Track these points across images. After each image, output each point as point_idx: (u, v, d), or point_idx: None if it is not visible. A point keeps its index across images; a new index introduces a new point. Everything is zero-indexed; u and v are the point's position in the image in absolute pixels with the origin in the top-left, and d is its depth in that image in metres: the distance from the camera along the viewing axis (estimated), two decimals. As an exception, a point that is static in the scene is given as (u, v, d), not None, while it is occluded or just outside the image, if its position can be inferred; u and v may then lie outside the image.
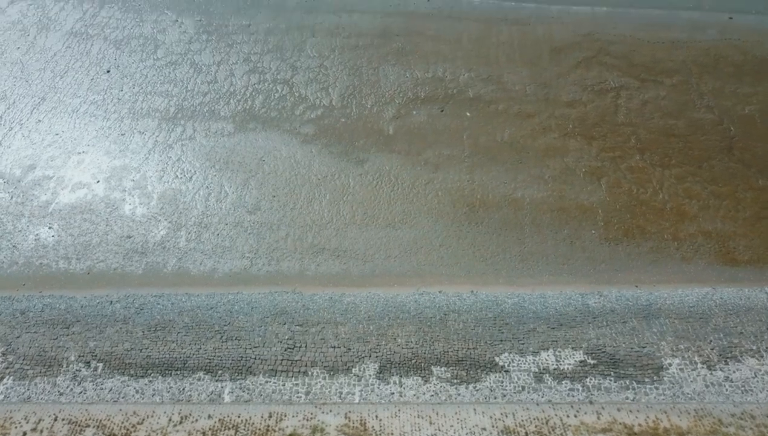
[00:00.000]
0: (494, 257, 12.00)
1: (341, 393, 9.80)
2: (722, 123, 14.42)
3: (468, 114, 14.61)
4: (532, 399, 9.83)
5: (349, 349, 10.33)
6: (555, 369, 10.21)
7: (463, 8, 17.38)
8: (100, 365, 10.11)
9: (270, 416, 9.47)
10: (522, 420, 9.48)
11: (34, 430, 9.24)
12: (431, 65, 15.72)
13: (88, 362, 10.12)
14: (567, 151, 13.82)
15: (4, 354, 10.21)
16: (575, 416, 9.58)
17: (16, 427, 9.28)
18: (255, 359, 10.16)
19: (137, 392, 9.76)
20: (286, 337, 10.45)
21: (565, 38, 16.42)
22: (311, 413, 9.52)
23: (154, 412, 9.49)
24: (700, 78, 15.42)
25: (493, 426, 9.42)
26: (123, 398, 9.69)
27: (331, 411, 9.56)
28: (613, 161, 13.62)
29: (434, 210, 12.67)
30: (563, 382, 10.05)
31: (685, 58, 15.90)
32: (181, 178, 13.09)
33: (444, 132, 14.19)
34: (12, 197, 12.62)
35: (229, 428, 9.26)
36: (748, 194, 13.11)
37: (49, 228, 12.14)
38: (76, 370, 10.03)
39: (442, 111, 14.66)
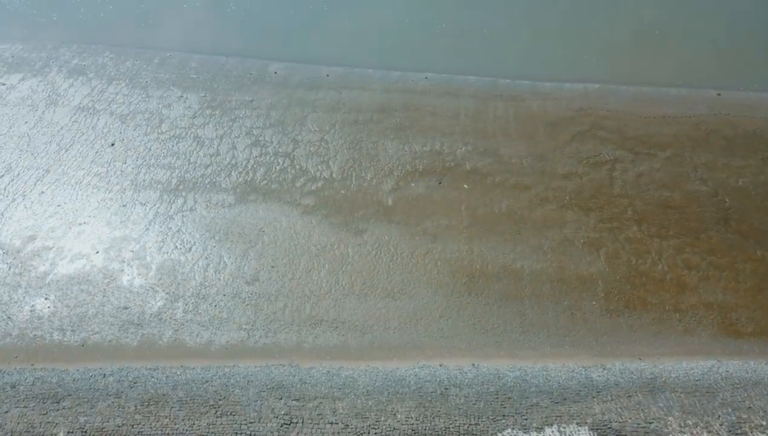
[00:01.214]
0: (495, 328, 11.86)
1: (339, 472, 9.43)
2: (717, 195, 14.62)
3: (466, 186, 14.82)
4: (537, 478, 9.45)
5: (347, 425, 10.02)
6: (560, 446, 9.88)
7: (460, 85, 17.97)
8: (90, 441, 9.76)
9: (264, 497, 9.06)
10: (527, 501, 9.08)
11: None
12: (429, 139, 16.09)
13: (77, 439, 9.78)
14: (565, 222, 13.93)
15: (-10, 430, 9.89)
16: (583, 497, 9.18)
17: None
18: (250, 435, 9.83)
19: (126, 470, 9.38)
20: (283, 412, 10.16)
21: (559, 113, 16.89)
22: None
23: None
24: (692, 151, 15.75)
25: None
26: (111, 477, 9.31)
27: (328, 492, 9.16)
28: (611, 232, 13.70)
29: (434, 280, 12.62)
30: (569, 460, 9.70)
31: (677, 133, 16.30)
32: (181, 248, 13.11)
33: (442, 203, 14.35)
34: (10, 268, 12.58)
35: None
36: (748, 265, 13.11)
37: (46, 299, 12.04)
38: (64, 447, 9.69)
39: (440, 183, 14.88)
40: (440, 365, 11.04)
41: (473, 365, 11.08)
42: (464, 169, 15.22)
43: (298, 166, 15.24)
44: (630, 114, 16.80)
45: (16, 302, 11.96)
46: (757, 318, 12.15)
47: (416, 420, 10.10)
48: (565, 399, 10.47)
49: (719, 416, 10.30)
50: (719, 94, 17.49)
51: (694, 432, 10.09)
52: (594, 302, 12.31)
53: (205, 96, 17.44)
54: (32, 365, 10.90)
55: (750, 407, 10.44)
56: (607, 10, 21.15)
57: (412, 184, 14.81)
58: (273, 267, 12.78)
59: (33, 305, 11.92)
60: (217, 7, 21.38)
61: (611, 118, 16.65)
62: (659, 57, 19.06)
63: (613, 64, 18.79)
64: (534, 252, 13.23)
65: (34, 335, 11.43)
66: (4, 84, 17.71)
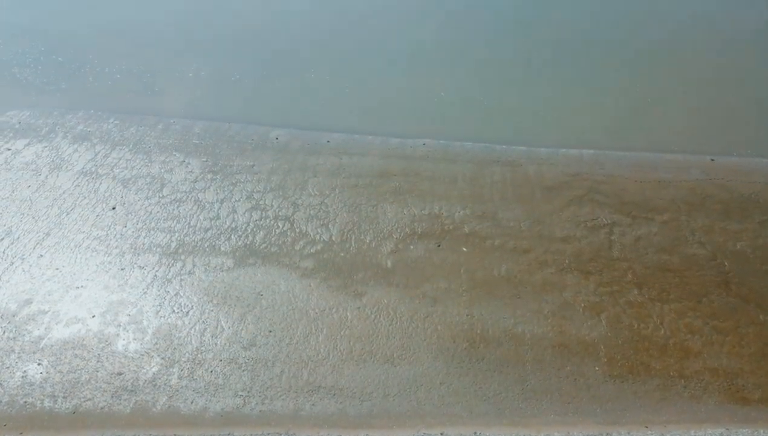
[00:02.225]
0: (497, 395, 11.59)
1: None
2: (716, 258, 14.63)
3: (465, 249, 14.85)
4: None
5: (345, 497, 9.63)
6: None
7: (457, 150, 18.30)
8: None
9: None
10: None
11: None
12: (428, 203, 16.24)
13: None
14: (564, 286, 13.87)
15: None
16: None
17: None
18: (243, 509, 9.44)
19: None
20: (278, 484, 9.79)
21: (555, 178, 17.13)
22: None
23: None
24: (689, 215, 15.88)
25: None
26: None
27: None
28: (611, 296, 13.62)
29: (434, 345, 12.44)
30: None
31: (673, 197, 16.48)
32: (178, 312, 12.97)
33: (441, 266, 14.33)
34: (4, 332, 12.41)
35: None
36: (751, 329, 12.97)
37: (38, 364, 11.81)
38: None
39: (439, 246, 14.91)
40: (441, 434, 10.73)
41: (475, 433, 10.76)
42: (463, 233, 15.29)
43: (297, 230, 15.31)
44: (626, 178, 17.04)
45: (8, 368, 11.72)
46: (764, 384, 11.91)
47: (417, 492, 9.72)
48: (570, 470, 10.12)
49: (731, 487, 9.94)
50: (713, 160, 17.80)
51: (706, 505, 9.70)
52: (597, 368, 12.09)
53: (207, 161, 17.71)
54: (21, 433, 10.58)
55: (762, 479, 10.09)
56: (600, 77, 21.84)
57: (411, 247, 14.83)
58: (270, 332, 12.62)
59: (25, 371, 11.69)
60: (222, 75, 22.04)
61: (607, 183, 16.87)
62: (652, 123, 19.54)
63: (607, 131, 19.23)
64: (534, 316, 13.11)
65: (25, 402, 11.15)
66: (9, 149, 18.01)
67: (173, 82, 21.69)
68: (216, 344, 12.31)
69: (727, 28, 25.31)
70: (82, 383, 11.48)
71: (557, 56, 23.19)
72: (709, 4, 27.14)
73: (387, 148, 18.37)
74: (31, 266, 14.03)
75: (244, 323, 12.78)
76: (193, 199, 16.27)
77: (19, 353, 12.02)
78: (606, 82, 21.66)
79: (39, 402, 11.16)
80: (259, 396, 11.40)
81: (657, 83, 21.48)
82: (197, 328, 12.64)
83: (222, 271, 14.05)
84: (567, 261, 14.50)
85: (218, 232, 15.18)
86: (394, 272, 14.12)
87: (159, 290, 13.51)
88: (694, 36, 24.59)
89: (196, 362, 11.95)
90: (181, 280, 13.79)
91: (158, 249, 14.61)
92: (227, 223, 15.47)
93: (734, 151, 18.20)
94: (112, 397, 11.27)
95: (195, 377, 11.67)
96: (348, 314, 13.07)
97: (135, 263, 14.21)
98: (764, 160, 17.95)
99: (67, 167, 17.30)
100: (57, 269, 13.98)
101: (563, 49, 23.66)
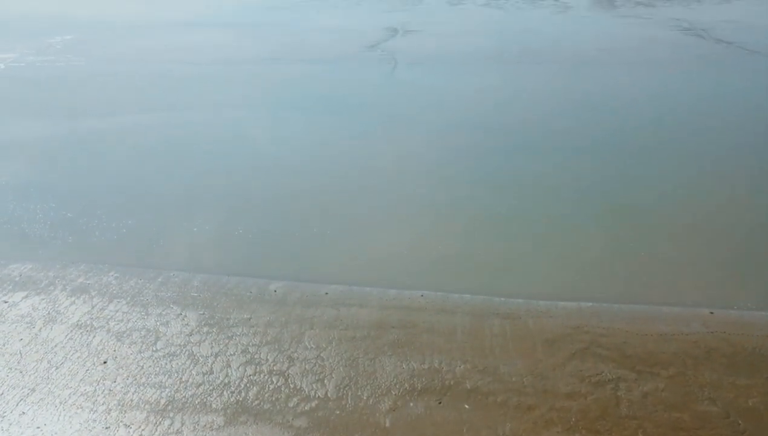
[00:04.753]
0: None
1: None
2: (729, 416, 14.00)
3: (466, 406, 14.24)
4: None
5: None
6: None
7: (456, 302, 18.27)
8: None
9: None
10: None
11: None
12: (427, 356, 15.88)
13: None
14: (573, 446, 13.12)
15: None
16: None
17: None
18: None
19: None
20: None
21: (556, 331, 16.92)
22: None
23: None
24: (695, 370, 15.46)
25: None
26: None
27: None
28: (623, 458, 12.83)
29: None
30: None
31: (676, 350, 16.16)
32: (161, 477, 12.12)
33: (443, 425, 13.64)
34: (-29, 500, 11.49)
35: None
36: (777, 496, 12.05)
37: None
38: None
39: (440, 403, 14.32)
40: None
41: None
42: (464, 388, 14.77)
43: (292, 385, 14.80)
44: (627, 332, 16.84)
45: None
46: None
47: None
48: None
49: None
50: (712, 313, 17.73)
51: None
52: None
53: (203, 314, 17.60)
54: None
55: None
56: (597, 231, 22.42)
57: (411, 404, 14.24)
58: (260, 498, 11.69)
59: None
60: (223, 230, 22.65)
61: (609, 336, 16.64)
62: (650, 276, 19.71)
63: (606, 283, 19.35)
64: (543, 481, 12.24)
65: None
66: (6, 302, 17.98)
67: (175, 237, 22.23)
68: None
69: (723, 184, 26.50)
70: None
71: (553, 209, 24.02)
72: (705, 156, 28.69)
73: (385, 299, 18.37)
74: (11, 423, 13.36)
75: (232, 488, 11.89)
76: (187, 353, 15.93)
77: None
78: (600, 235, 22.21)
79: None
80: None
81: (653, 237, 22.03)
82: (181, 494, 11.72)
83: (211, 429, 13.35)
84: (574, 419, 13.85)
85: (210, 387, 14.67)
86: (393, 433, 13.43)
87: (143, 452, 12.74)
88: (684, 194, 25.66)
89: None
90: (168, 440, 13.06)
91: (147, 406, 14.02)
92: (220, 378, 15.00)
93: (733, 304, 18.17)
94: None
95: None
96: (343, 478, 12.21)
97: (121, 421, 13.54)
98: (764, 313, 17.88)
99: (62, 320, 17.14)
100: (38, 427, 13.31)
101: (558, 202, 24.58)
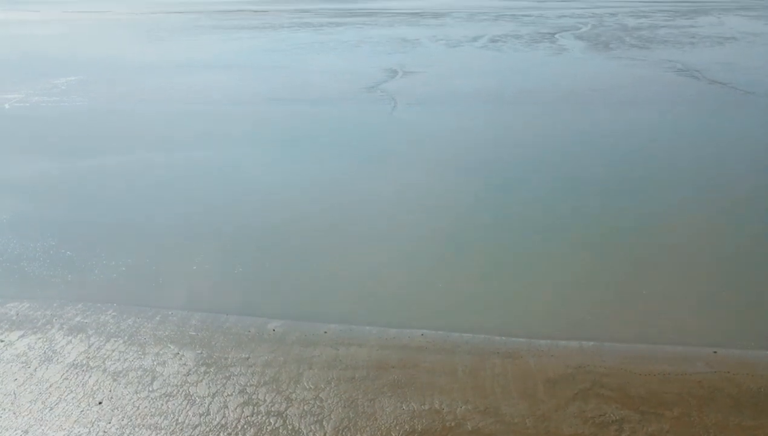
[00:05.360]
0: None
1: None
2: (736, 459, 13.71)
3: (468, 448, 13.95)
4: None
5: None
6: None
7: (456, 341, 18.09)
8: None
9: None
10: None
11: None
12: (427, 397, 15.63)
13: None
14: (577, 490, 12.80)
15: None
16: None
17: None
18: None
19: None
20: None
21: (557, 370, 16.71)
22: None
23: None
24: (700, 410, 15.21)
25: None
26: None
27: None
28: (629, 502, 12.50)
29: None
30: None
31: (680, 391, 15.93)
32: None
33: (444, 468, 13.34)
34: None
35: None
36: None
37: None
38: None
39: (440, 445, 14.03)
40: None
41: None
42: (465, 430, 14.49)
43: (290, 426, 14.53)
44: (629, 371, 16.62)
45: None
46: None
47: None
48: None
49: None
50: (715, 352, 17.54)
51: None
52: None
53: (201, 353, 17.40)
54: None
55: None
56: (597, 269, 22.37)
57: (411, 447, 13.95)
58: None
59: None
60: (224, 267, 22.59)
61: (611, 376, 16.42)
62: (652, 315, 19.58)
63: (607, 322, 19.20)
64: None
65: None
66: (2, 341, 17.80)
67: (174, 275, 22.16)
68: None
69: (725, 223, 26.56)
70: None
71: (553, 247, 24.03)
72: (706, 195, 28.85)
73: (385, 338, 18.19)
74: (2, 467, 13.07)
75: None
76: (183, 393, 15.69)
77: None
78: (603, 273, 22.17)
79: None
80: None
81: (655, 275, 21.97)
82: None
83: (207, 473, 13.05)
84: (577, 462, 13.56)
85: (207, 429, 14.39)
86: (392, 475, 13.12)
87: (137, 496, 12.42)
88: (690, 232, 25.71)
89: None
90: (162, 484, 12.75)
91: (141, 448, 13.73)
92: (217, 419, 14.73)
93: (737, 344, 17.98)
94: None
95: None
96: None
97: (114, 464, 13.25)
98: (767, 352, 17.70)
99: (58, 359, 16.94)
100: (30, 471, 13.00)
101: (558, 240, 24.60)
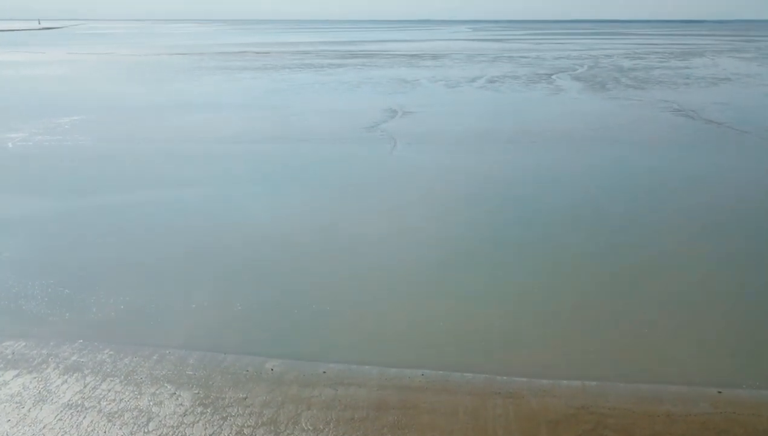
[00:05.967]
0: None
1: None
2: (744, 503, 13.37)
3: (469, 492, 13.61)
4: None
5: None
6: None
7: (457, 381, 17.85)
8: None
9: None
10: None
11: None
12: (428, 439, 15.35)
13: None
14: None
15: None
16: None
17: None
18: None
19: None
20: None
21: (560, 411, 16.44)
22: None
23: None
24: (706, 452, 14.92)
25: None
26: None
27: None
28: None
29: None
30: None
31: (685, 432, 15.65)
32: None
33: None
34: None
35: None
36: None
37: None
38: None
39: (441, 489, 13.69)
40: None
41: None
42: (466, 473, 14.17)
43: (288, 470, 14.21)
44: (633, 412, 16.36)
45: None
46: None
47: None
48: None
49: None
50: (720, 392, 17.29)
51: None
52: None
53: (198, 393, 17.15)
54: None
55: None
56: (599, 307, 22.22)
57: (411, 491, 13.61)
58: None
59: None
60: (222, 306, 22.44)
61: (615, 416, 16.15)
62: (655, 354, 19.37)
63: (610, 361, 18.98)
64: None
65: None
66: (-3, 381, 17.55)
67: (172, 314, 22.00)
68: None
69: (728, 262, 26.53)
70: None
71: (554, 286, 23.93)
72: (708, 234, 28.85)
73: (384, 378, 17.95)
74: (-9, 512, 12.73)
75: None
76: (180, 434, 15.39)
77: None
78: (603, 312, 22.02)
79: None
80: None
81: (659, 313, 21.83)
82: None
83: None
84: (582, 506, 13.22)
85: (202, 472, 14.08)
86: None
87: None
88: (693, 273, 25.64)
89: None
90: None
91: (135, 492, 13.40)
92: (213, 461, 14.42)
93: (742, 384, 17.74)
94: None
95: None
96: None
97: (107, 509, 12.91)
98: (773, 392, 17.44)
99: (52, 400, 16.67)
100: None
101: (559, 279, 24.51)
